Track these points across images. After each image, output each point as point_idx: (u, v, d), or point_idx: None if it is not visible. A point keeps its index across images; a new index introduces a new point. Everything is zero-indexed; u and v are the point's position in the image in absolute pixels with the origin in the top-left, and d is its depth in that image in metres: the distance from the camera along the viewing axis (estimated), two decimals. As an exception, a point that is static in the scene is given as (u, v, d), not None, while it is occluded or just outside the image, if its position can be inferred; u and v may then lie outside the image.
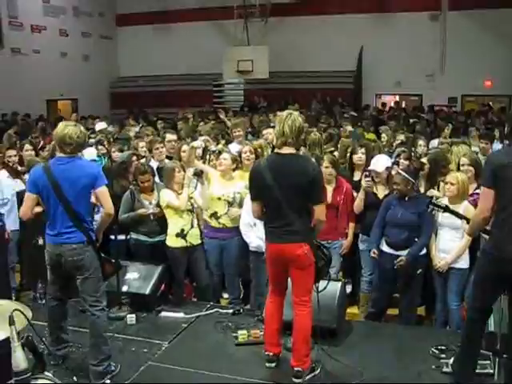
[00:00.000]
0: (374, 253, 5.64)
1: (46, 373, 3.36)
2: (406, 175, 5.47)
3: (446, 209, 4.71)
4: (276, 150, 4.41)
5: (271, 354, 4.59)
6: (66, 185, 4.28)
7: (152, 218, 5.99)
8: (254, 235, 5.67)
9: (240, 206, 5.89)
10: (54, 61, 18.29)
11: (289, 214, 4.21)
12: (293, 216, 4.21)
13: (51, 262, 4.47)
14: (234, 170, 6.15)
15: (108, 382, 4.37)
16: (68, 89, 18.73)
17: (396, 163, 6.26)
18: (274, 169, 4.25)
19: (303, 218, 4.27)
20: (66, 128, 4.37)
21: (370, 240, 5.77)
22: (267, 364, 4.60)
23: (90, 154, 6.73)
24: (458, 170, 5.91)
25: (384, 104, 19.45)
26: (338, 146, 7.82)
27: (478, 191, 5.81)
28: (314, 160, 5.06)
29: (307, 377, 4.37)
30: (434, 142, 8.67)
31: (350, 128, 10.35)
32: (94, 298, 4.45)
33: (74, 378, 3.85)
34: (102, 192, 4.43)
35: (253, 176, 4.44)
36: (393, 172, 5.87)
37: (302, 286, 4.35)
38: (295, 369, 4.35)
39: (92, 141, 6.27)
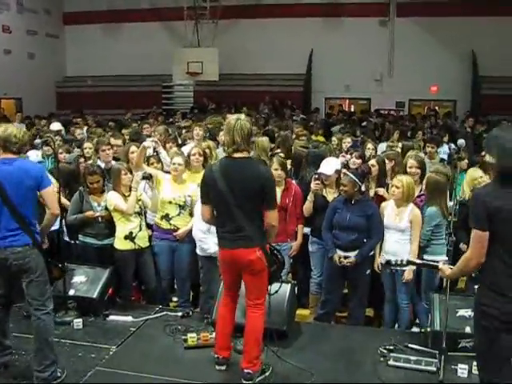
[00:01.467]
0: (340, 257, 5.50)
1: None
2: (354, 177, 5.52)
3: (410, 263, 4.52)
4: (228, 154, 4.35)
5: (221, 357, 4.58)
6: (10, 187, 4.18)
7: (100, 220, 5.88)
8: (212, 241, 5.59)
9: (192, 208, 5.87)
10: (-3, 57, 17.73)
11: (240, 218, 4.19)
12: (244, 220, 4.19)
13: None
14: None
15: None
16: (12, 87, 18.18)
17: (346, 164, 6.30)
18: (226, 173, 4.22)
19: (255, 223, 4.25)
20: (9, 128, 4.36)
21: (327, 245, 5.69)
22: (217, 367, 4.58)
23: (35, 155, 6.55)
24: (405, 172, 6.03)
25: (332, 107, 19.72)
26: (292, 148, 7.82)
27: (423, 193, 5.95)
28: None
29: (258, 379, 4.37)
30: (382, 146, 8.82)
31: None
32: (39, 302, 4.32)
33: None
34: (47, 193, 4.38)
35: (204, 180, 4.38)
36: (342, 174, 5.93)
37: (256, 290, 4.35)
38: (245, 371, 4.34)
39: (38, 141, 6.09)
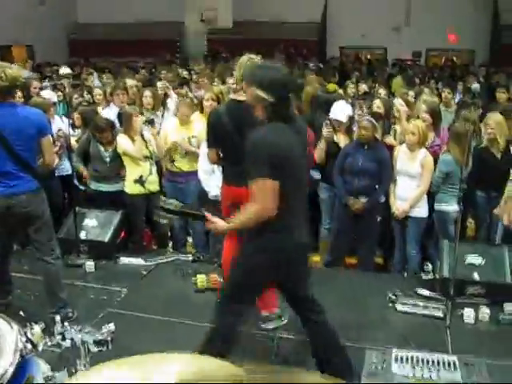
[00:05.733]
0: (351, 199, 5.44)
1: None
2: (373, 120, 5.44)
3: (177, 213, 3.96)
4: (235, 97, 4.19)
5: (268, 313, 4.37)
6: (11, 135, 4.00)
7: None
8: (214, 184, 5.59)
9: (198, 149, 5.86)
10: (7, 3, 17.12)
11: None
12: None
13: None
14: None
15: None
16: (23, 34, 17.85)
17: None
18: (234, 115, 4.10)
19: None
20: None
21: (338, 191, 5.62)
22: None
23: (48, 95, 6.62)
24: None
25: (348, 56, 19.41)
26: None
27: (437, 142, 5.86)
28: None
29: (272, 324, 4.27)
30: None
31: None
32: (48, 247, 4.36)
33: (21, 312, 3.76)
34: (46, 141, 4.24)
35: (211, 122, 4.25)
36: (356, 117, 5.83)
37: None
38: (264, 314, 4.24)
39: (46, 84, 6.07)
